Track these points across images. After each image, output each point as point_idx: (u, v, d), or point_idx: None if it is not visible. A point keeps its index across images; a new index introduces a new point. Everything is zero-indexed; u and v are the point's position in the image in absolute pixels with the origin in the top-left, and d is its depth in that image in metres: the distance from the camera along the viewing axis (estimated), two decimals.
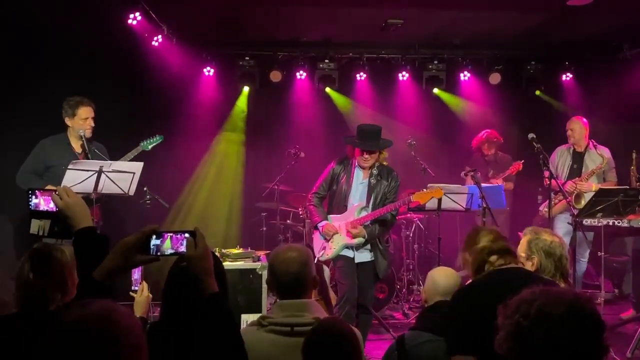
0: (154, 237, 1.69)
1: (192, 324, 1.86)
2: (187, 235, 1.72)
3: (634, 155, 5.43)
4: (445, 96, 7.52)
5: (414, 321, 5.60)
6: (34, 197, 1.94)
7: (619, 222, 4.81)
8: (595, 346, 1.33)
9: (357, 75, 7.19)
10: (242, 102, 7.33)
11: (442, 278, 2.65)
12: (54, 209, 1.90)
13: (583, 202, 5.34)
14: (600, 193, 4.72)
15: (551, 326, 1.32)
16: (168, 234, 1.72)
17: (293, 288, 2.29)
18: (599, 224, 4.87)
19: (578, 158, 5.83)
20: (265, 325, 2.22)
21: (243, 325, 4.21)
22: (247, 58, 7.02)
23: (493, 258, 2.25)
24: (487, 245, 2.36)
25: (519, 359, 1.35)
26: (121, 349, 1.27)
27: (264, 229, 6.52)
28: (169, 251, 1.71)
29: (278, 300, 2.36)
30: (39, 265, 2.31)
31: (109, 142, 5.04)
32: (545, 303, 1.34)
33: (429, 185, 5.10)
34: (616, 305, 5.99)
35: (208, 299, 1.71)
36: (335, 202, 4.56)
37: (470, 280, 2.80)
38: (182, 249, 1.71)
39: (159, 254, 1.70)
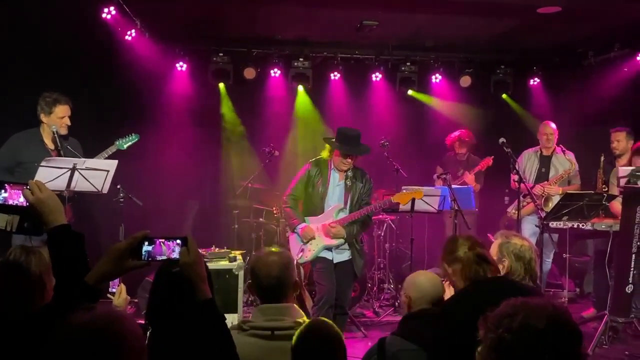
0: (145, 243, 1.70)
1: (183, 329, 1.87)
2: (178, 241, 1.73)
3: (602, 158, 5.62)
4: (421, 96, 7.64)
5: (384, 319, 5.75)
6: (2, 190, 1.85)
7: (583, 225, 5.01)
8: (575, 357, 1.38)
9: (331, 75, 7.23)
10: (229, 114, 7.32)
11: (430, 285, 2.66)
12: (24, 204, 1.82)
13: (551, 205, 5.52)
14: (566, 197, 4.89)
15: (533, 340, 1.34)
16: (160, 240, 1.72)
17: (274, 291, 2.33)
18: (565, 227, 5.05)
19: (545, 162, 6.01)
20: (247, 329, 2.26)
21: None
22: (220, 54, 6.98)
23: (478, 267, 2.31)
24: (471, 254, 2.40)
25: None
26: (127, 353, 1.30)
27: (236, 226, 6.51)
28: (161, 257, 1.72)
29: (259, 303, 2.40)
30: (16, 272, 2.27)
31: (80, 138, 4.94)
32: (527, 317, 1.36)
33: (403, 187, 5.19)
34: (577, 303, 6.22)
35: (202, 305, 1.72)
36: (312, 204, 4.60)
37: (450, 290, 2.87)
38: (174, 255, 1.72)
39: (150, 259, 1.71)
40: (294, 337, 2.04)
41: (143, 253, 1.69)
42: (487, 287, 2.14)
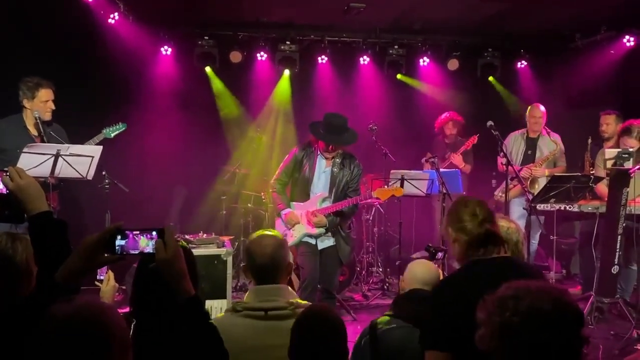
0: (119, 237, 1.60)
1: (167, 324, 1.81)
2: (154, 233, 1.61)
3: (589, 141, 5.65)
4: (409, 80, 7.61)
5: (373, 302, 5.78)
6: None
7: (570, 207, 5.04)
8: (578, 338, 1.38)
9: (319, 58, 7.17)
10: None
11: (421, 270, 2.68)
12: (4, 191, 1.78)
13: (537, 187, 5.55)
14: (553, 180, 4.91)
15: (541, 322, 1.35)
16: (133, 233, 1.61)
17: (269, 271, 2.33)
18: (552, 209, 5.08)
19: (532, 144, 6.03)
20: (240, 310, 2.27)
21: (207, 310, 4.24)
22: (206, 38, 6.88)
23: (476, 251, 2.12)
24: (471, 237, 2.14)
25: (504, 355, 1.38)
26: (112, 343, 1.28)
27: (224, 212, 6.48)
28: (136, 251, 1.61)
29: (254, 285, 2.39)
30: (3, 260, 2.22)
31: (63, 124, 4.86)
32: (534, 299, 1.36)
33: (391, 171, 5.18)
34: (564, 285, 6.28)
35: (184, 304, 1.62)
36: (298, 189, 4.56)
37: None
38: (149, 249, 1.61)
39: (125, 253, 1.61)
40: (294, 322, 2.02)
41: (116, 247, 1.60)
42: (484, 270, 2.07)
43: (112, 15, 5.87)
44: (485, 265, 2.06)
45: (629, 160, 4.76)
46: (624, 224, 4.72)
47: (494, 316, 1.38)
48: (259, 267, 2.33)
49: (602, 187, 5.11)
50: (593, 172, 5.34)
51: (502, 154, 5.26)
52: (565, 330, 1.36)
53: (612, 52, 6.78)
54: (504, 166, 5.25)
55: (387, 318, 2.56)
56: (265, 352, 2.16)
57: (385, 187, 4.74)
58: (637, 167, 4.64)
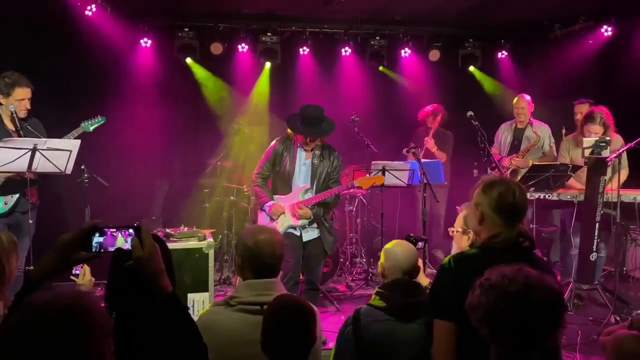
0: (97, 234, 1.60)
1: (145, 321, 1.79)
2: (131, 231, 1.62)
3: (563, 131, 5.72)
4: (391, 74, 7.62)
5: (356, 293, 5.80)
6: None
7: (549, 196, 5.10)
8: (529, 331, 1.54)
9: (300, 50, 7.14)
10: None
11: (403, 254, 2.70)
12: None
13: (519, 178, 5.60)
14: (533, 169, 4.96)
15: (497, 296, 1.56)
16: (111, 230, 1.62)
17: (274, 269, 2.38)
18: (531, 198, 5.13)
19: (518, 134, 6.08)
20: (234, 304, 2.28)
21: (189, 304, 4.23)
22: (186, 29, 6.82)
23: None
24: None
25: (473, 313, 1.64)
26: (94, 327, 1.27)
27: (207, 205, 6.45)
28: (113, 248, 1.62)
29: (232, 282, 2.40)
30: None
31: (42, 118, 4.78)
32: (506, 277, 1.57)
33: (373, 162, 5.19)
34: None
35: (163, 301, 1.61)
36: (279, 182, 4.56)
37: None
38: (127, 246, 1.61)
39: (102, 250, 1.61)
40: (265, 312, 2.03)
41: (94, 245, 1.59)
42: (498, 254, 2.10)
43: (89, 7, 5.79)
44: (503, 254, 2.08)
45: (606, 148, 4.82)
46: (601, 212, 4.79)
47: (477, 286, 1.63)
48: (266, 265, 2.35)
49: (570, 179, 5.17)
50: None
51: (482, 144, 5.29)
52: (514, 315, 1.53)
53: (591, 42, 6.85)
54: (498, 155, 5.28)
55: (369, 308, 2.57)
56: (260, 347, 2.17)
57: (367, 175, 4.75)
58: (615, 155, 4.71)
